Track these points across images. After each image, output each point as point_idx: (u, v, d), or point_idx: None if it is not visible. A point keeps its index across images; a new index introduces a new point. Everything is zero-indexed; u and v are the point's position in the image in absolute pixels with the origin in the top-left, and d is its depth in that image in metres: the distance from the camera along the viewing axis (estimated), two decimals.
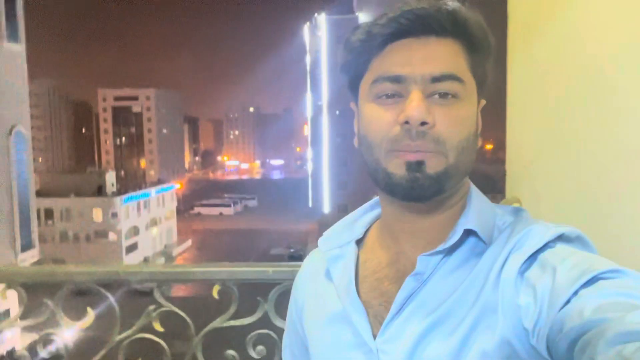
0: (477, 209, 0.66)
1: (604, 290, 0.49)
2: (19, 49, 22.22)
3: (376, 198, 0.79)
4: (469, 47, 0.64)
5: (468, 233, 0.64)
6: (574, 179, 1.15)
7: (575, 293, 0.51)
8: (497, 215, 0.67)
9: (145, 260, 43.55)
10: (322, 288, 0.77)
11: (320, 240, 0.81)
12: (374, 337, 0.66)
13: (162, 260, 44.10)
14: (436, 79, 0.61)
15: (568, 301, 0.51)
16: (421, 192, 0.63)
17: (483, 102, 0.69)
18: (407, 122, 0.61)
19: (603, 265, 0.53)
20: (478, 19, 0.65)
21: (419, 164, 0.62)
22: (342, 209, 42.29)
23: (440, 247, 0.64)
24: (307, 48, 51.83)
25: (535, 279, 0.56)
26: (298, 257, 44.61)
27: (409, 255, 0.68)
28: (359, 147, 0.70)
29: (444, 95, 0.62)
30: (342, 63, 0.70)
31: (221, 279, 1.39)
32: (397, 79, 0.62)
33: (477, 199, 0.68)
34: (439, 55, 0.62)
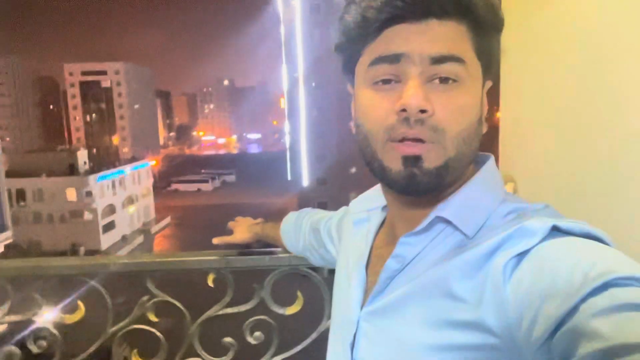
0: (464, 198, 0.63)
1: (616, 302, 0.43)
2: None
3: None
4: (474, 26, 0.59)
5: (444, 221, 0.62)
6: (571, 158, 1.15)
7: (583, 300, 0.44)
8: (504, 209, 0.62)
9: (124, 238, 43.07)
10: (349, 242, 0.83)
11: (352, 202, 0.85)
12: (362, 307, 0.69)
13: (141, 238, 43.68)
14: (436, 60, 0.57)
15: (574, 309, 0.44)
16: (419, 187, 0.60)
17: (489, 83, 0.65)
18: (404, 110, 0.57)
19: (608, 264, 0.47)
20: None
21: (416, 159, 0.58)
22: (321, 182, 42.28)
23: (413, 230, 0.63)
24: (281, 18, 50.65)
25: (526, 279, 0.51)
26: None
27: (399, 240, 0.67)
28: (356, 134, 0.66)
29: (444, 79, 0.58)
30: (336, 43, 0.66)
31: (217, 267, 1.37)
32: (395, 58, 0.58)
33: (474, 187, 0.64)
34: (439, 37, 0.58)
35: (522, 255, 0.53)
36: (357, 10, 0.60)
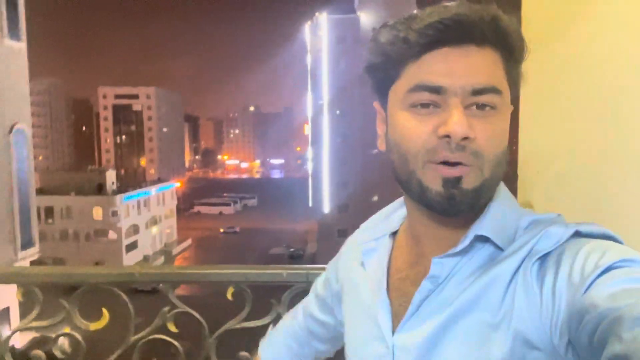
0: (495, 215, 0.65)
1: (615, 279, 0.49)
2: (21, 46, 22.19)
3: None
4: (507, 55, 0.62)
5: (482, 239, 0.64)
6: (588, 184, 1.16)
7: (590, 285, 0.50)
8: (524, 222, 0.65)
9: (145, 258, 43.55)
10: (357, 277, 0.80)
11: (356, 232, 0.85)
12: (393, 333, 0.69)
13: (162, 259, 44.08)
14: (477, 92, 0.59)
15: (585, 293, 0.50)
16: (458, 207, 0.61)
17: (512, 108, 0.67)
18: (447, 136, 0.59)
19: (615, 253, 0.53)
20: (516, 26, 0.62)
21: (457, 180, 0.60)
22: (342, 209, 42.18)
23: (451, 251, 0.64)
24: (308, 47, 51.75)
25: (551, 277, 0.56)
26: (298, 256, 44.58)
27: (429, 258, 0.67)
28: (388, 153, 0.67)
29: (482, 106, 0.60)
30: (369, 64, 0.67)
31: (235, 281, 1.41)
32: (436, 90, 0.60)
33: (500, 204, 0.66)
34: (479, 66, 0.60)
35: (546, 256, 0.58)
36: (395, 35, 0.62)
